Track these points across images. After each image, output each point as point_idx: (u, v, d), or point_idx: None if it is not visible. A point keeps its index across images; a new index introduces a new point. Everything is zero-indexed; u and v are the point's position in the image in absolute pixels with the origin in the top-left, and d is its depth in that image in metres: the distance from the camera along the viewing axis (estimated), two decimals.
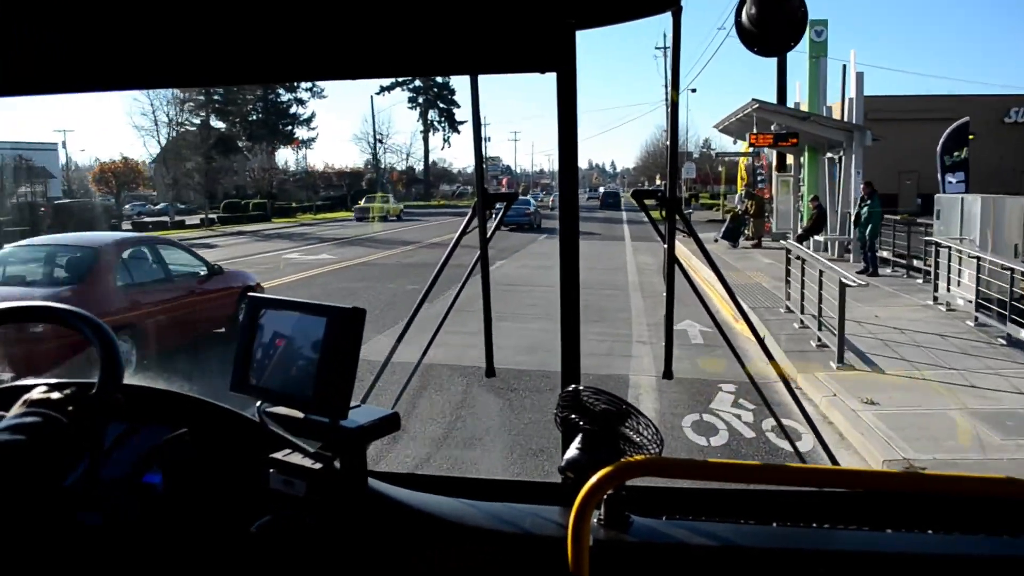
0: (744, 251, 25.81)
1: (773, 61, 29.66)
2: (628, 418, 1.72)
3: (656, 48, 65.67)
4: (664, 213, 2.30)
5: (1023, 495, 1.38)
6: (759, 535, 1.70)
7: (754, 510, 1.83)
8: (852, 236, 21.65)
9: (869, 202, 18.76)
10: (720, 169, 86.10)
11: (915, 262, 18.60)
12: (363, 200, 51.05)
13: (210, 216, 46.75)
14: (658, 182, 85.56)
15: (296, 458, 1.73)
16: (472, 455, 6.95)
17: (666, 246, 2.30)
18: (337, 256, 26.78)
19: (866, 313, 13.34)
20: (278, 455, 1.75)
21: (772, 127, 21.93)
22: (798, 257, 13.71)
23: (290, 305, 1.82)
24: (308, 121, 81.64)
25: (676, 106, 2.30)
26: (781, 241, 26.30)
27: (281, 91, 79.34)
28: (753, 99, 21.76)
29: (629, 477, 1.52)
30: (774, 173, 32.42)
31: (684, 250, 7.80)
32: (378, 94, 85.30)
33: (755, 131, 21.88)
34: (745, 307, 2.76)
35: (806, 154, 24.57)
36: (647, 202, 2.56)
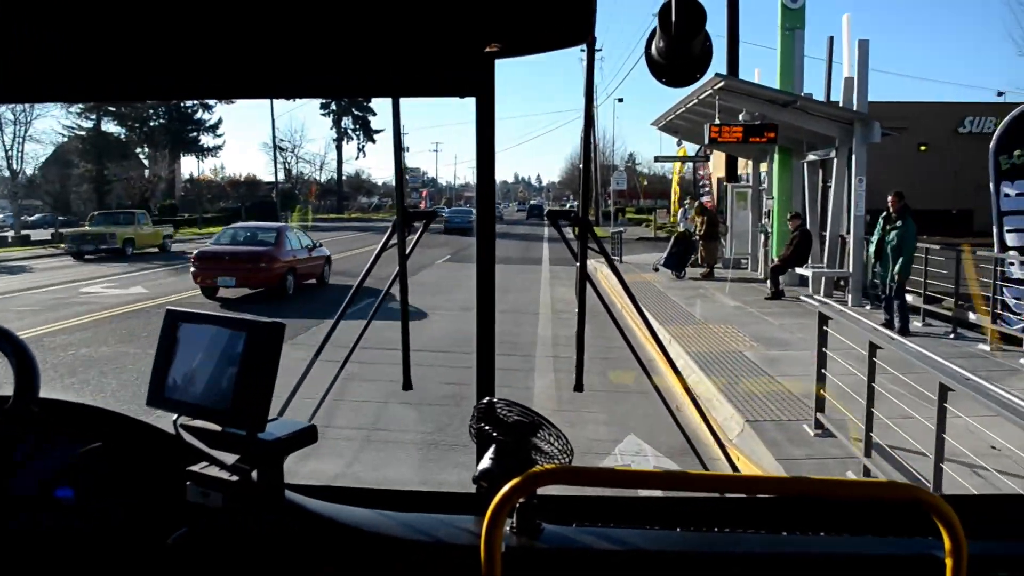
0: (693, 284, 19.00)
1: (721, 44, 23.04)
2: (539, 429, 1.72)
3: (581, 50, 58.80)
4: (577, 231, 2.30)
5: (905, 497, 1.43)
6: (665, 540, 1.73)
7: (661, 516, 1.85)
8: (846, 268, 14.94)
9: (900, 223, 12.02)
10: (644, 183, 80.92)
11: (972, 313, 11.93)
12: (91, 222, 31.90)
13: (60, 231, 38.37)
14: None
15: (213, 471, 1.70)
16: (388, 467, 6.87)
17: (578, 264, 2.33)
18: (152, 290, 19.26)
19: (974, 441, 6.15)
20: (195, 468, 1.71)
21: (741, 116, 15.15)
22: (824, 318, 7.03)
23: (209, 319, 1.78)
24: (214, 128, 75.41)
25: (591, 128, 2.39)
26: (731, 272, 19.59)
27: None
28: (717, 74, 14.96)
29: (539, 485, 1.51)
30: (713, 184, 25.82)
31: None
32: (288, 99, 77.68)
33: (718, 121, 15.03)
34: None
35: (776, 157, 17.91)
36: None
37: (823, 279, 15.74)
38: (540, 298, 18.02)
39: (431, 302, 15.81)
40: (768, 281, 16.13)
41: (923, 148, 36.19)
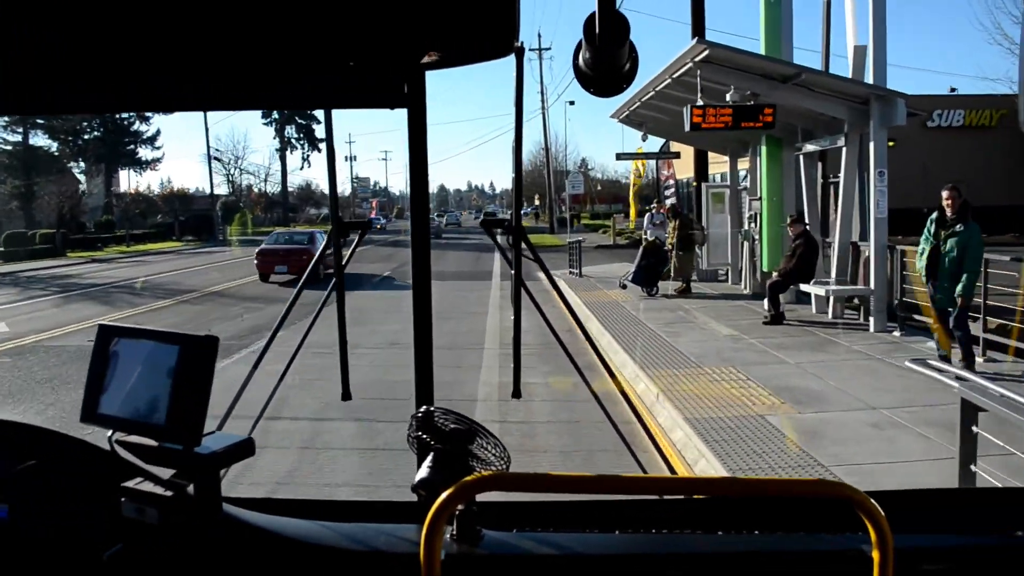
0: (669, 303, 15.65)
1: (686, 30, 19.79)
2: (477, 437, 1.72)
3: (530, 50, 55.70)
4: (512, 240, 2.33)
5: (833, 494, 1.42)
6: (604, 543, 1.73)
7: (601, 520, 1.84)
8: (868, 284, 11.69)
9: (961, 228, 8.77)
10: (597, 187, 77.90)
11: None
12: None
13: None
14: (536, 202, 76.83)
15: (149, 486, 1.71)
16: (328, 478, 6.76)
17: (513, 271, 2.35)
18: (13, 328, 15.49)
19: None
20: (130, 483, 1.71)
21: (728, 96, 11.80)
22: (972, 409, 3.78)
23: (142, 334, 1.75)
24: (152, 140, 71.04)
25: (520, 141, 2.36)
26: (709, 287, 16.36)
27: None
28: (700, 40, 11.58)
29: (477, 492, 1.49)
30: (679, 184, 22.55)
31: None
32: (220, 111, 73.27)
33: (701, 102, 11.66)
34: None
35: (763, 149, 14.63)
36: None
37: (831, 298, 12.46)
38: (487, 325, 14.56)
39: (353, 336, 12.19)
40: (766, 301, 12.81)
41: (891, 144, 33.50)
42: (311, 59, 1.89)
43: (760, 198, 15.11)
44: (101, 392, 1.73)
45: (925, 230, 9.18)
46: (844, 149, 12.41)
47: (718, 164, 23.57)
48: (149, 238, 52.41)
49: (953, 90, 38.53)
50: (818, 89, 11.90)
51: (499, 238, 2.46)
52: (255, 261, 23.56)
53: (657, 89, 14.09)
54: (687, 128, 11.80)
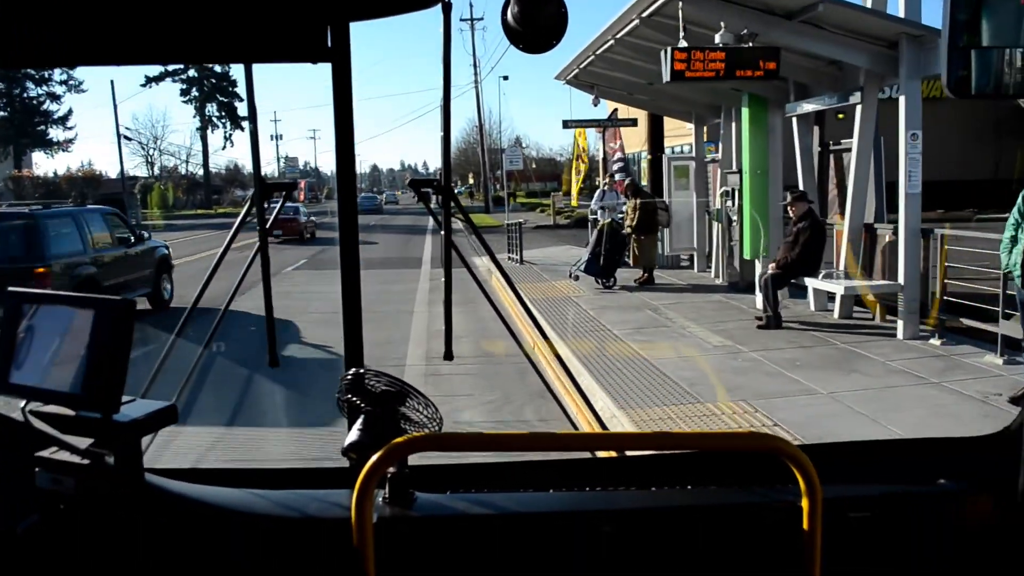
0: (630, 297, 12.83)
1: None
2: (408, 398, 1.69)
3: (462, 20, 52.32)
4: (441, 200, 2.31)
5: (764, 447, 1.51)
6: (537, 501, 1.72)
7: (534, 480, 1.81)
8: (896, 279, 9.01)
9: None
10: (533, 165, 74.91)
11: None
12: None
13: None
14: (470, 180, 73.68)
15: (64, 455, 1.65)
16: (256, 444, 6.60)
17: (443, 232, 2.34)
18: None
19: None
20: (44, 453, 1.65)
21: (717, 38, 8.93)
22: None
23: (55, 299, 1.71)
24: (64, 120, 66.22)
25: (448, 102, 2.25)
26: (674, 275, 13.59)
27: (30, 84, 64.17)
28: None
29: (407, 453, 1.52)
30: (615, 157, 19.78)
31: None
32: (144, 85, 68.80)
33: (683, 43, 8.75)
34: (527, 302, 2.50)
35: (745, 111, 11.84)
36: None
37: (839, 294, 9.76)
38: (411, 331, 11.51)
39: (243, 352, 8.90)
40: (759, 298, 10.07)
41: (840, 116, 31.41)
42: (232, 12, 1.84)
43: (739, 171, 12.34)
44: (12, 361, 1.67)
45: (1015, 212, 6.48)
46: (859, 108, 9.68)
47: (673, 137, 20.82)
48: None
49: None
50: (832, 28, 9.09)
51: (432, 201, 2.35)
52: None
53: (618, 36, 11.14)
54: (666, 78, 8.87)
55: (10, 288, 1.72)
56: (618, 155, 22.35)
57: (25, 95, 64.64)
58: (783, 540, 1.56)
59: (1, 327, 1.69)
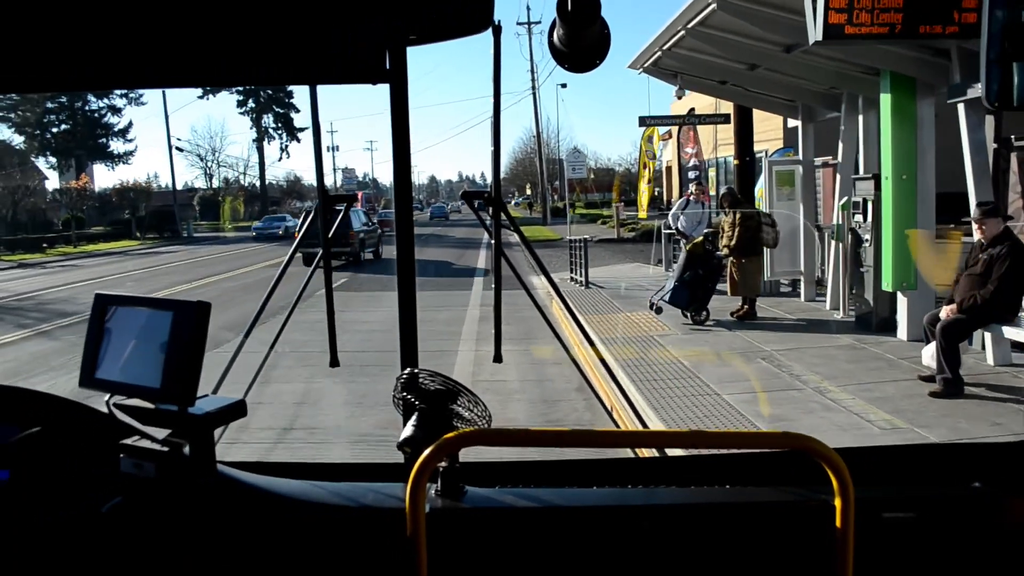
0: (730, 336, 9.94)
1: None
2: (459, 396, 1.75)
3: (518, 24, 49.78)
4: (492, 211, 2.35)
5: (798, 446, 1.47)
6: (581, 497, 1.76)
7: (578, 477, 1.87)
8: None
9: None
10: (591, 175, 71.82)
11: None
12: None
13: None
14: (528, 192, 71.02)
15: (146, 444, 1.75)
16: (318, 439, 6.79)
17: (493, 240, 2.41)
18: None
19: None
20: (128, 441, 1.76)
21: None
22: None
23: (137, 301, 1.81)
24: (124, 132, 65.28)
25: (498, 115, 2.36)
26: (777, 305, 10.68)
27: (91, 97, 64.04)
28: None
29: (459, 447, 1.56)
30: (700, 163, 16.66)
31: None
32: (201, 97, 67.81)
33: None
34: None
35: (885, 99, 8.88)
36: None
37: None
38: (454, 370, 8.76)
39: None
40: (926, 353, 7.08)
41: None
42: (293, 34, 1.89)
43: (875, 176, 9.36)
44: (98, 358, 1.76)
45: None
46: None
47: (761, 139, 17.79)
48: (105, 237, 46.18)
49: None
50: None
51: (481, 213, 2.42)
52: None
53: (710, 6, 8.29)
54: (815, 36, 5.98)
55: (97, 292, 1.85)
56: (693, 161, 19.34)
57: (87, 108, 64.42)
58: (816, 539, 1.56)
59: (88, 327, 1.79)
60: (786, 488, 1.71)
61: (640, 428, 2.70)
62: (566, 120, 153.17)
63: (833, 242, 11.04)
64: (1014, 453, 1.84)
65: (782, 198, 12.27)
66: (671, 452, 2.06)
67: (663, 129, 23.45)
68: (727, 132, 21.09)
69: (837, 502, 1.42)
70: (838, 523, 1.43)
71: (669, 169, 36.31)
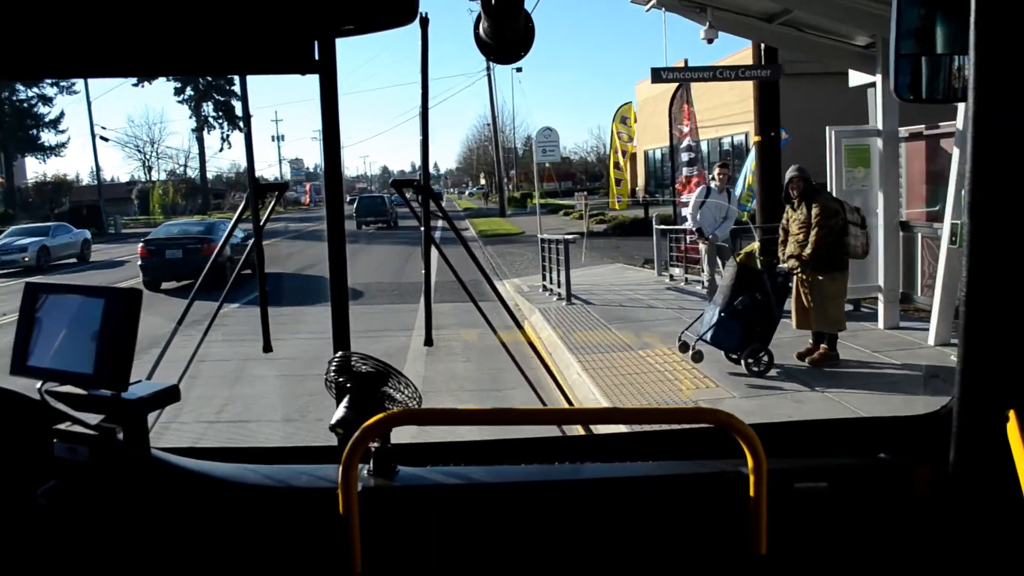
0: (814, 397, 6.12)
1: None
2: (390, 378, 1.74)
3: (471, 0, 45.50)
4: (421, 199, 2.36)
5: (712, 420, 1.50)
6: (509, 473, 1.77)
7: (507, 455, 1.89)
8: None
9: None
10: (548, 165, 67.93)
11: None
12: None
13: None
14: (482, 181, 66.96)
15: (79, 429, 1.72)
16: (253, 424, 6.74)
17: (423, 228, 2.40)
18: None
19: None
20: (61, 426, 1.73)
21: None
22: None
23: (68, 289, 1.78)
24: (56, 123, 60.28)
25: (426, 107, 2.35)
26: (857, 339, 6.86)
27: (19, 87, 59.42)
28: None
29: (389, 427, 1.56)
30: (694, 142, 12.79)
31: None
32: (136, 85, 62.58)
33: None
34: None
35: None
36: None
37: None
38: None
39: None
40: None
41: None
42: (221, 24, 1.86)
43: None
44: (29, 346, 1.74)
45: None
46: None
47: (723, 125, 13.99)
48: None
49: None
50: None
51: (409, 197, 2.43)
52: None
53: None
54: None
55: (27, 280, 1.83)
56: (687, 141, 15.52)
57: (14, 98, 59.39)
58: (733, 509, 1.58)
59: (19, 315, 1.76)
60: (704, 461, 1.74)
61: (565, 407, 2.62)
62: (523, 106, 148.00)
63: (945, 248, 7.32)
64: (918, 426, 1.82)
65: (853, 184, 8.51)
66: (597, 430, 2.20)
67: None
68: (713, 109, 17.28)
69: (751, 473, 1.46)
70: (752, 492, 1.47)
71: (634, 155, 32.57)
